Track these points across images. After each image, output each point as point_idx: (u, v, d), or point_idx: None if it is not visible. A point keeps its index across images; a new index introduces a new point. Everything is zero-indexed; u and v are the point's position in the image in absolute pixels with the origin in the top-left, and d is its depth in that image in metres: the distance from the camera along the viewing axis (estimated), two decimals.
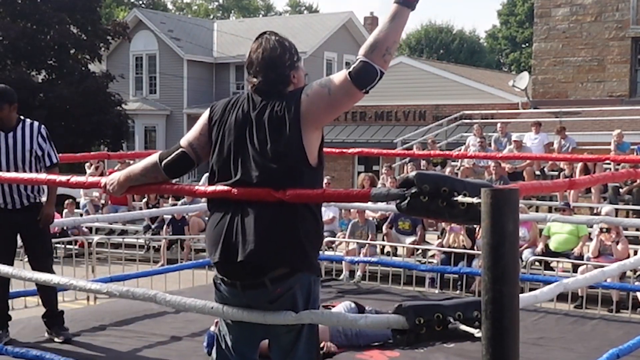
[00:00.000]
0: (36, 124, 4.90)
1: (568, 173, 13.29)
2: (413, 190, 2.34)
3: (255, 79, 2.82)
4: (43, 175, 3.59)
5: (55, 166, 4.95)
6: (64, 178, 3.35)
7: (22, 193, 4.85)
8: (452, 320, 2.25)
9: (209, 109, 2.95)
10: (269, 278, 2.70)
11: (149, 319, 5.70)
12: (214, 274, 2.90)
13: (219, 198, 2.77)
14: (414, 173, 2.37)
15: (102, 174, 15.31)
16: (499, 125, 15.49)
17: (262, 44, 2.83)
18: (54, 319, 5.12)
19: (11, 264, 4.82)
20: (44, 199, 5.02)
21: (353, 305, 5.40)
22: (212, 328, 4.79)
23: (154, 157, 2.99)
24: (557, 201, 12.01)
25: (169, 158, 2.92)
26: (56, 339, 5.01)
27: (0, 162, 4.73)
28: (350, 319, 2.43)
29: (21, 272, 3.51)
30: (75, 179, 3.32)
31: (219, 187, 2.71)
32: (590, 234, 10.38)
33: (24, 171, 4.75)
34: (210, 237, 2.79)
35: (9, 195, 4.82)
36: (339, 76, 2.69)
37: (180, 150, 2.92)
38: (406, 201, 2.35)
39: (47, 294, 5.09)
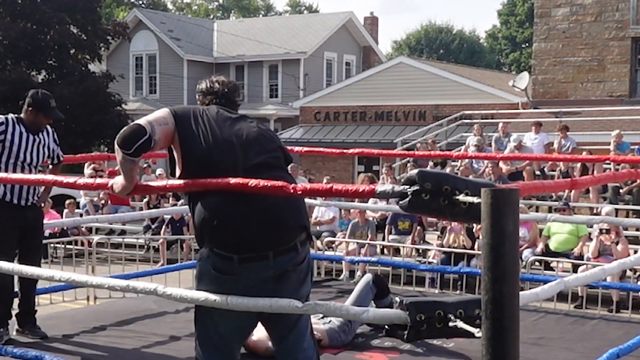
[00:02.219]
0: (50, 128, 5.29)
1: (564, 170, 13.30)
2: (415, 188, 2.34)
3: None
4: (51, 176, 3.70)
5: (60, 163, 5.43)
6: (71, 179, 3.41)
7: (33, 190, 5.09)
8: (453, 317, 2.25)
9: (169, 110, 3.22)
10: (299, 241, 3.05)
11: (149, 319, 5.70)
12: (220, 267, 3.00)
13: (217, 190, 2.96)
14: (415, 171, 2.37)
15: (101, 175, 15.30)
16: (499, 125, 15.50)
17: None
18: (30, 317, 5.18)
19: (12, 260, 4.89)
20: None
21: (368, 289, 5.27)
22: None
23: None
24: (557, 201, 12.00)
25: (121, 132, 3.08)
26: (30, 337, 5.05)
27: (26, 158, 5.05)
28: (352, 312, 2.43)
29: (25, 268, 3.51)
30: (82, 180, 3.40)
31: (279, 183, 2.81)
32: (590, 234, 10.38)
33: (39, 167, 5.19)
34: (233, 223, 2.96)
35: (26, 191, 5.05)
36: None
37: (133, 123, 3.11)
38: (407, 199, 2.35)
39: (30, 291, 5.22)
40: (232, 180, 2.77)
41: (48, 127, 5.24)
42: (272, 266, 2.98)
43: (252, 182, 2.70)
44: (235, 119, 3.27)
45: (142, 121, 3.08)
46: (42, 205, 5.33)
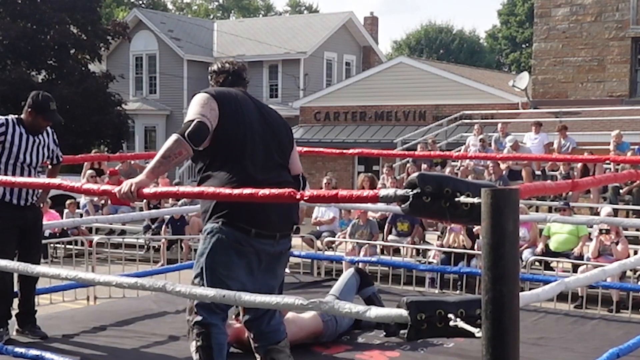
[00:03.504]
0: (50, 129, 5.30)
1: (564, 172, 13.31)
2: (416, 191, 2.34)
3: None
4: (57, 180, 3.71)
5: (60, 164, 5.45)
6: (76, 184, 3.42)
7: (32, 190, 5.10)
8: (453, 317, 2.25)
9: (209, 95, 3.61)
10: (292, 231, 3.80)
11: (149, 319, 5.70)
12: (237, 237, 3.55)
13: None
14: (416, 174, 2.37)
15: (102, 173, 15.31)
16: (499, 125, 15.50)
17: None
18: (30, 317, 5.18)
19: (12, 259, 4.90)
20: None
21: (354, 280, 5.55)
22: None
23: (172, 138, 3.44)
24: (556, 201, 12.01)
25: (190, 128, 3.43)
26: (30, 337, 5.05)
27: (25, 159, 5.05)
28: (354, 311, 2.43)
29: (31, 267, 3.51)
30: (88, 186, 3.42)
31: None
32: (590, 234, 10.38)
33: (39, 168, 5.22)
34: (264, 206, 3.43)
35: (25, 191, 5.05)
36: None
37: (197, 120, 3.46)
38: (408, 202, 2.36)
39: (30, 291, 5.22)
40: (246, 191, 2.88)
41: (48, 127, 5.25)
42: (275, 245, 3.64)
43: (262, 192, 2.85)
44: (266, 109, 3.84)
45: (199, 117, 3.48)
46: (42, 205, 5.34)
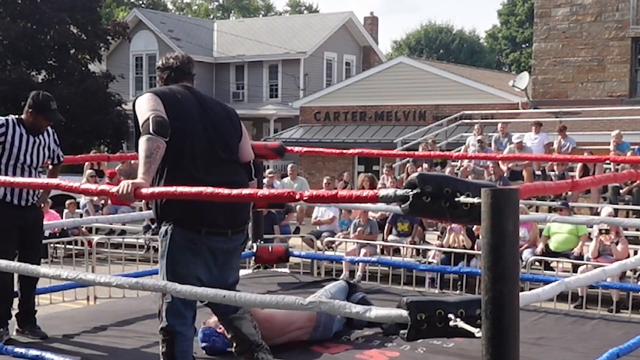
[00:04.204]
0: (51, 129, 5.29)
1: (559, 172, 13.31)
2: (416, 192, 2.34)
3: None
4: (55, 180, 3.72)
5: (60, 164, 5.44)
6: (74, 184, 3.43)
7: (33, 191, 5.09)
8: (453, 317, 2.25)
9: (151, 93, 3.66)
10: (246, 227, 3.95)
11: (149, 319, 5.69)
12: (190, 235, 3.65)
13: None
14: (416, 174, 2.37)
15: (102, 174, 15.30)
16: (499, 125, 15.50)
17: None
18: (30, 317, 5.18)
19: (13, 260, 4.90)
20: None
21: (344, 284, 5.76)
22: (211, 322, 4.83)
23: (143, 139, 3.47)
24: (556, 201, 12.00)
25: (151, 125, 3.45)
26: (30, 337, 5.04)
27: (26, 160, 5.05)
28: (354, 311, 2.43)
29: (27, 267, 3.51)
30: (86, 186, 3.45)
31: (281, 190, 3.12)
32: (590, 234, 10.38)
33: (39, 168, 5.20)
34: (212, 205, 3.50)
35: (25, 191, 5.04)
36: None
37: (152, 116, 3.48)
38: (408, 202, 2.36)
39: (30, 291, 5.22)
40: (245, 191, 2.92)
41: (49, 127, 5.24)
42: (228, 242, 3.75)
43: (261, 192, 2.93)
44: (209, 103, 3.86)
45: (152, 113, 3.51)
46: (42, 205, 5.34)
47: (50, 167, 5.41)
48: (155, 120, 3.46)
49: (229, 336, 4.07)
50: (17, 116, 5.11)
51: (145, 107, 3.56)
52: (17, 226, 5.02)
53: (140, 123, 3.53)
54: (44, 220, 5.51)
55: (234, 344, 4.03)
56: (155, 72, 4.02)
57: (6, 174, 4.91)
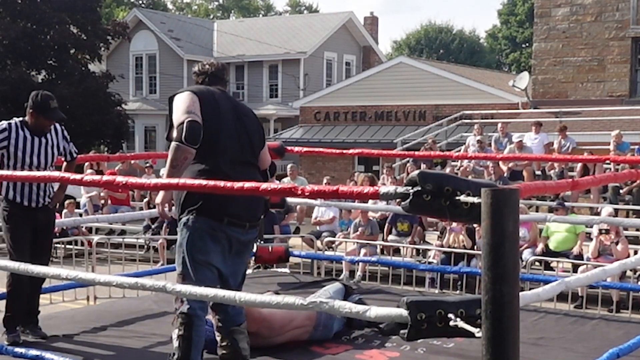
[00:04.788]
0: (59, 126, 5.26)
1: (558, 171, 13.31)
2: (416, 189, 2.34)
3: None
4: (57, 174, 3.72)
5: (75, 160, 5.43)
6: (77, 176, 3.45)
7: (43, 192, 5.08)
8: (453, 317, 2.25)
9: (190, 92, 3.94)
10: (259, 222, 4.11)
11: (149, 319, 5.70)
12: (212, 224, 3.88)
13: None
14: (416, 172, 2.37)
15: (101, 174, 15.29)
16: (499, 125, 15.50)
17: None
18: (33, 317, 5.18)
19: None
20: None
21: (341, 286, 5.82)
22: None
23: (173, 146, 3.76)
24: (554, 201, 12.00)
25: (184, 132, 3.73)
26: (32, 338, 5.05)
27: (32, 161, 5.03)
28: (354, 310, 2.43)
29: (31, 267, 3.51)
30: (89, 177, 3.58)
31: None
32: (590, 234, 10.38)
33: (50, 169, 5.14)
34: (234, 197, 3.71)
35: (35, 193, 5.04)
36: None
37: (188, 120, 3.75)
38: (408, 200, 2.36)
39: (35, 292, 5.23)
40: (246, 185, 2.92)
41: (57, 125, 5.20)
42: (244, 233, 3.96)
43: (264, 185, 2.98)
44: (242, 109, 4.11)
45: (189, 116, 3.78)
46: (56, 205, 5.32)
47: (64, 164, 5.37)
48: (188, 127, 3.73)
49: (220, 342, 4.13)
50: (20, 119, 5.08)
51: (182, 107, 3.84)
52: (29, 226, 5.01)
53: (176, 124, 3.82)
54: (55, 221, 5.48)
55: (223, 352, 4.13)
56: (194, 76, 4.27)
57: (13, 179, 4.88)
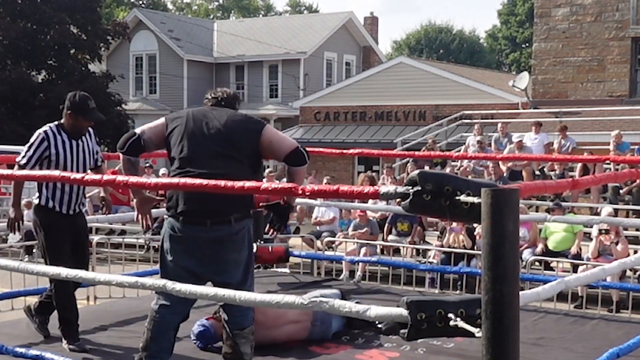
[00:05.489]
0: (91, 129, 5.16)
1: (560, 172, 13.31)
2: (416, 189, 2.34)
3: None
4: (56, 173, 3.69)
5: (100, 167, 5.37)
6: (78, 176, 3.44)
7: (76, 197, 4.99)
8: (453, 317, 2.25)
9: (164, 117, 4.17)
10: (233, 217, 3.91)
11: None
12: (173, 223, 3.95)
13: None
14: (416, 172, 2.37)
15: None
16: (499, 125, 15.50)
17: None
18: (47, 314, 5.17)
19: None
20: (84, 209, 5.33)
21: (337, 291, 5.81)
22: (208, 323, 4.84)
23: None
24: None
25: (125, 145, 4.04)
26: (36, 330, 5.05)
27: (72, 166, 4.92)
28: (355, 310, 2.43)
29: (28, 266, 3.51)
30: (90, 177, 3.49)
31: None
32: (590, 234, 10.37)
33: (86, 172, 5.03)
34: (188, 194, 3.84)
35: (73, 200, 4.97)
36: None
37: (130, 131, 4.10)
38: (408, 199, 2.36)
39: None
40: (247, 184, 2.90)
41: (90, 128, 5.09)
42: (208, 231, 3.87)
43: (264, 185, 2.93)
44: (212, 114, 4.08)
45: (138, 129, 4.06)
46: (108, 212, 5.47)
47: (94, 169, 5.22)
48: (124, 136, 4.05)
49: (224, 341, 4.19)
50: (55, 123, 4.94)
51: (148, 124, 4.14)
52: (69, 234, 4.94)
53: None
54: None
55: (225, 351, 4.21)
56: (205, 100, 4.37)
57: (55, 186, 4.82)
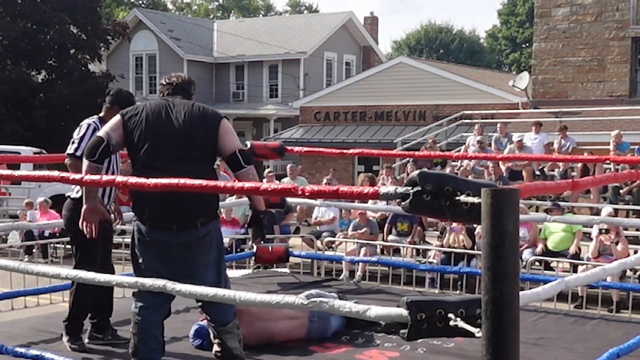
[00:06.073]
0: None
1: (562, 171, 13.31)
2: (416, 189, 2.34)
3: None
4: (56, 173, 3.67)
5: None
6: (78, 176, 3.45)
7: (109, 194, 4.97)
8: (454, 317, 2.25)
9: (120, 115, 4.08)
10: (199, 222, 3.92)
11: None
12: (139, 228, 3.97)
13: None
14: (416, 172, 2.37)
15: None
16: (498, 125, 15.51)
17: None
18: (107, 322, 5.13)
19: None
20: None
21: (334, 295, 5.70)
22: (201, 322, 4.84)
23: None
24: (560, 201, 12.01)
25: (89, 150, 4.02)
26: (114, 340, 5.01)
27: (111, 160, 4.80)
28: (355, 309, 2.43)
29: (28, 266, 3.50)
30: (89, 177, 3.45)
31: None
32: (590, 234, 10.37)
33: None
34: (153, 199, 3.83)
35: (112, 197, 5.00)
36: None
37: (95, 136, 4.10)
38: (408, 200, 2.36)
39: (105, 297, 5.11)
40: (247, 185, 2.91)
41: None
42: (175, 236, 3.89)
43: (264, 185, 2.93)
44: (170, 112, 4.02)
45: (101, 132, 4.03)
46: (121, 220, 5.30)
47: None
48: (90, 142, 4.05)
49: (213, 342, 4.22)
50: (95, 117, 4.93)
51: (104, 127, 4.13)
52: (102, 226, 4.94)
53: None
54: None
55: (216, 351, 4.23)
56: (160, 86, 4.35)
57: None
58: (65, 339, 4.86)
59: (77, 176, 3.38)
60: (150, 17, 32.91)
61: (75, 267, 4.63)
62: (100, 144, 3.94)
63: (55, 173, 3.34)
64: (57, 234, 12.45)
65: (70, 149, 4.80)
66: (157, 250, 3.94)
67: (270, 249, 7.20)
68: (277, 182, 14.46)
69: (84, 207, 4.18)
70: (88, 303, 4.89)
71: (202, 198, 3.88)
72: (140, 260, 4.01)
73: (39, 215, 13.37)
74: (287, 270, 8.51)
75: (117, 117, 4.05)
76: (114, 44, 30.40)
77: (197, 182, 3.03)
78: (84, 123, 4.90)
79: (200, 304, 4.16)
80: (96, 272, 4.76)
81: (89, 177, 3.40)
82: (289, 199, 6.75)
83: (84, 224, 4.17)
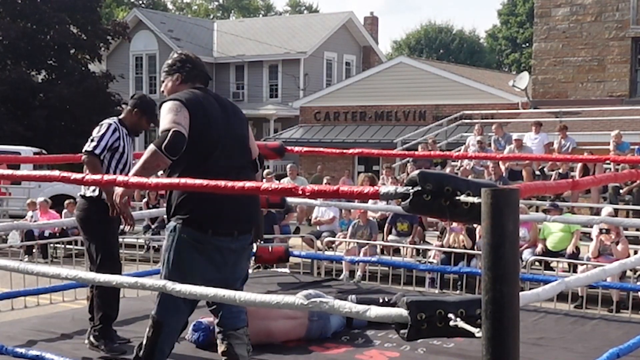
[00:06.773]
0: None
1: (563, 172, 13.31)
2: (416, 189, 2.34)
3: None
4: (56, 173, 3.67)
5: None
6: (79, 176, 3.41)
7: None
8: (454, 317, 2.25)
9: (180, 102, 3.68)
10: (255, 227, 4.01)
11: (149, 319, 5.68)
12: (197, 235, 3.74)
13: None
14: (416, 172, 2.37)
15: None
16: (494, 127, 15.52)
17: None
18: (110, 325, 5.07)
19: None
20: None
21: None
22: (205, 320, 4.84)
23: (150, 150, 3.56)
24: (560, 201, 12.00)
25: (167, 140, 3.53)
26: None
27: (128, 161, 4.98)
28: (355, 310, 2.43)
29: (27, 266, 3.50)
30: (90, 177, 3.44)
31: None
32: (590, 234, 10.37)
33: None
34: (219, 207, 3.68)
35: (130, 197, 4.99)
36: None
37: (173, 130, 3.55)
38: (408, 200, 2.35)
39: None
40: (247, 185, 2.88)
41: None
42: (234, 242, 3.82)
43: (266, 185, 2.95)
44: (229, 109, 3.93)
45: (173, 126, 3.57)
46: (132, 225, 5.31)
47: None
48: (172, 137, 3.52)
49: (219, 344, 4.06)
50: (115, 119, 4.96)
51: (170, 116, 3.61)
52: (117, 228, 5.05)
53: (160, 130, 3.61)
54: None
55: (222, 350, 4.06)
56: (168, 68, 3.98)
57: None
58: (95, 342, 4.79)
59: (79, 176, 3.37)
60: (150, 17, 32.92)
61: (98, 269, 4.63)
62: (184, 143, 3.58)
63: (56, 173, 3.33)
64: (57, 234, 12.46)
65: (89, 147, 4.81)
66: (213, 256, 3.78)
67: (270, 249, 7.20)
68: (277, 182, 14.47)
69: (119, 190, 3.85)
70: (116, 301, 4.91)
71: (257, 205, 3.98)
72: (187, 269, 3.73)
73: (39, 215, 13.38)
74: (287, 270, 8.50)
75: (177, 104, 3.67)
76: (114, 44, 30.41)
77: (197, 181, 3.02)
78: (105, 122, 4.92)
79: (213, 307, 3.98)
80: (120, 269, 4.86)
81: (89, 177, 3.38)
82: (289, 199, 6.75)
83: (116, 211, 4.11)
